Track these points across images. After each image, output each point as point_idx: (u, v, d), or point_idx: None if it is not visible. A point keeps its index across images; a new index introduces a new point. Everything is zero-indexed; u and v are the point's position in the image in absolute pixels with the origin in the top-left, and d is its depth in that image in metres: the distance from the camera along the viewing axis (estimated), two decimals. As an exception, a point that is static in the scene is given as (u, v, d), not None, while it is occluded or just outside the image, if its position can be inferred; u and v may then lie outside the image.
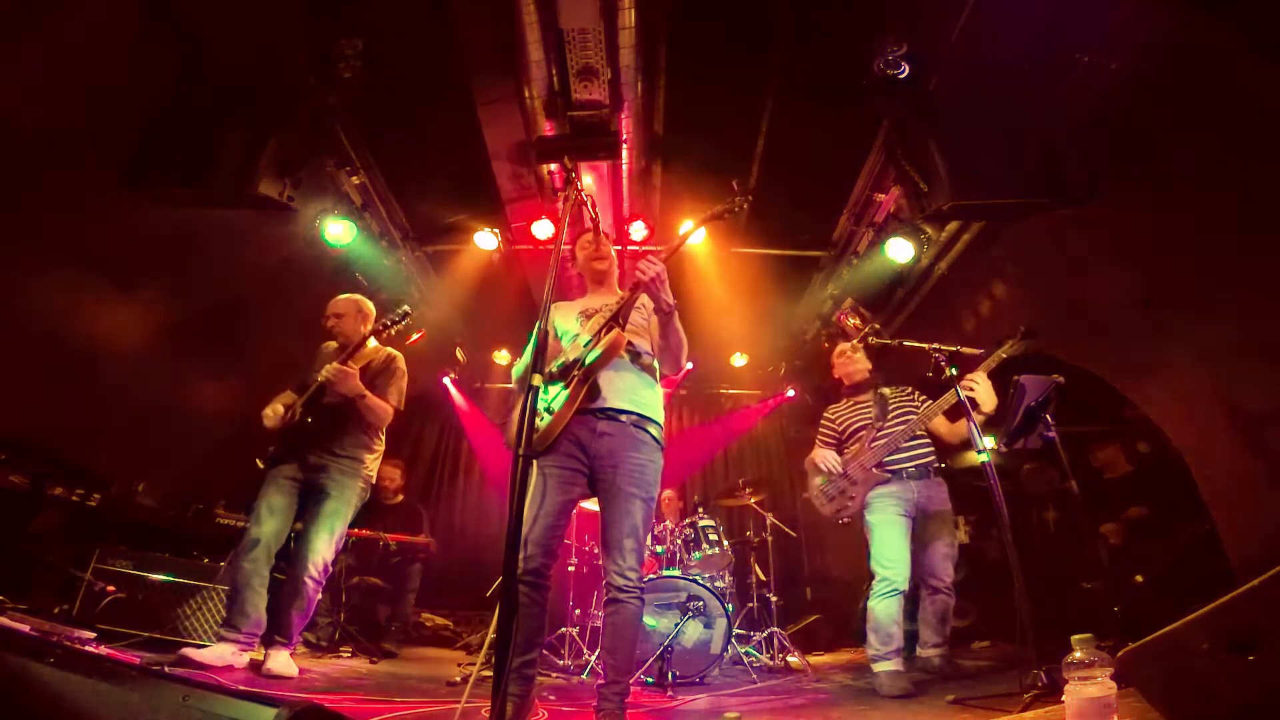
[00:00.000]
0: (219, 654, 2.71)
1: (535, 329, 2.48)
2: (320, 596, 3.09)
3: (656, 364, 2.46)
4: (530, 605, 2.09)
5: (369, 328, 3.32)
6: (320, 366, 3.21)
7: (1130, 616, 3.20)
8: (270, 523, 2.95)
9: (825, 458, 3.48)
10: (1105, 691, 1.46)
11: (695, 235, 2.53)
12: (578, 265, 2.76)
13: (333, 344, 3.41)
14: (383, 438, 3.36)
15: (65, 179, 3.27)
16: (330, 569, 3.09)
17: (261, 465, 3.16)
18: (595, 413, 2.26)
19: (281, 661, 2.86)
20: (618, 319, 2.29)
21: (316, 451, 3.11)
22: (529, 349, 2.51)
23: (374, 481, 3.31)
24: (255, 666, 2.83)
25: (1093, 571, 3.91)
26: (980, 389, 3.06)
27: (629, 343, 2.35)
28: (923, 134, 3.37)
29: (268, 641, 2.91)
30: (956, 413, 3.22)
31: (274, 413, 3.21)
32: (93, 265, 3.75)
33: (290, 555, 3.04)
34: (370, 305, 3.53)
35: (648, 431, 2.31)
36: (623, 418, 2.27)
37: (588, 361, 2.24)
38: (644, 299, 2.43)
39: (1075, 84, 3.24)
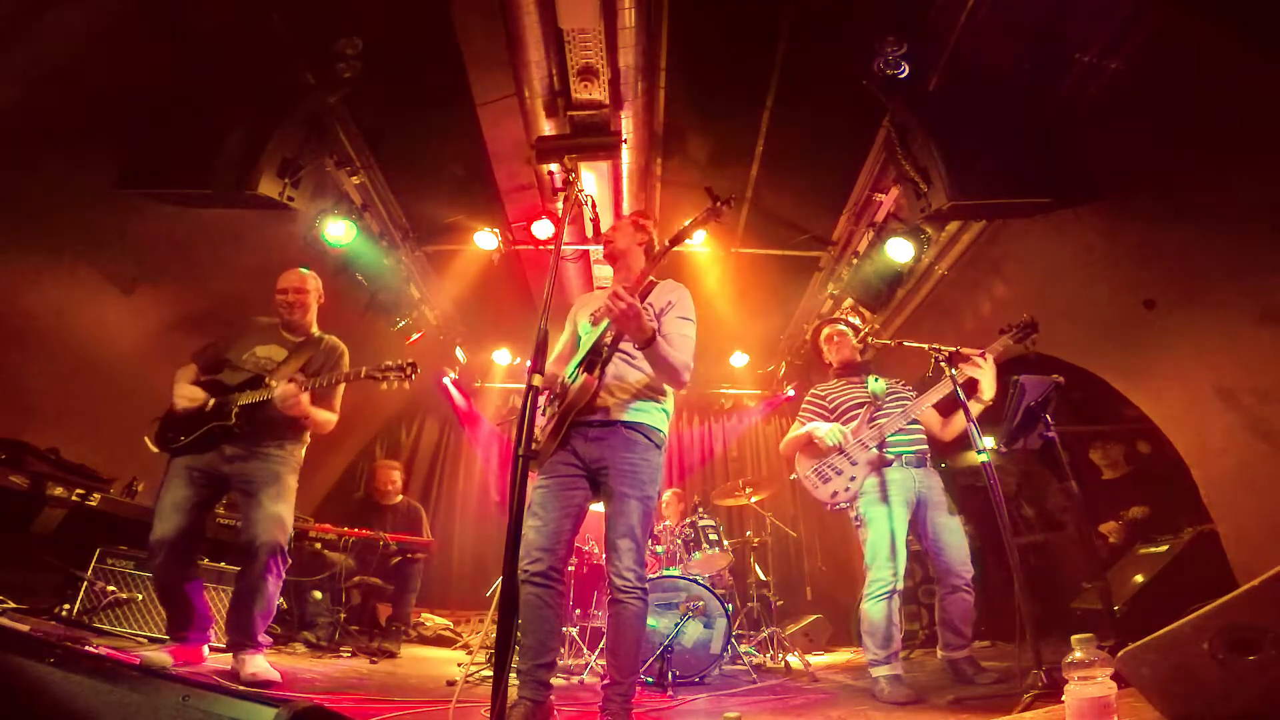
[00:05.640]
0: (166, 659, 2.64)
1: (566, 324, 2.42)
2: (278, 590, 2.81)
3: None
4: (540, 607, 2.07)
5: (314, 315, 3.12)
6: (249, 344, 2.96)
7: (1130, 616, 3.21)
8: (174, 519, 2.66)
9: (830, 432, 3.17)
10: (1105, 691, 1.46)
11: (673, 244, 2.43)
12: (614, 249, 2.63)
13: (264, 319, 3.09)
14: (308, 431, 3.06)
15: (65, 179, 3.26)
16: (289, 560, 2.83)
17: (155, 448, 2.84)
18: (589, 422, 2.27)
19: (259, 665, 2.66)
20: (597, 353, 2.25)
21: (237, 445, 2.80)
22: (558, 347, 2.53)
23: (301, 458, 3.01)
24: (233, 675, 2.62)
25: (1093, 571, 3.91)
26: (985, 373, 2.98)
27: (626, 352, 2.34)
28: (923, 134, 3.36)
29: (236, 647, 2.69)
30: (950, 408, 3.15)
31: (194, 396, 2.84)
32: (93, 265, 3.75)
33: (240, 553, 2.79)
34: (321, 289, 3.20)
35: (640, 432, 2.28)
36: (614, 424, 2.27)
37: (566, 400, 2.23)
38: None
39: (1075, 84, 3.24)
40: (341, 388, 3.01)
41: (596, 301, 2.52)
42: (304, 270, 3.17)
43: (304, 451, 3.03)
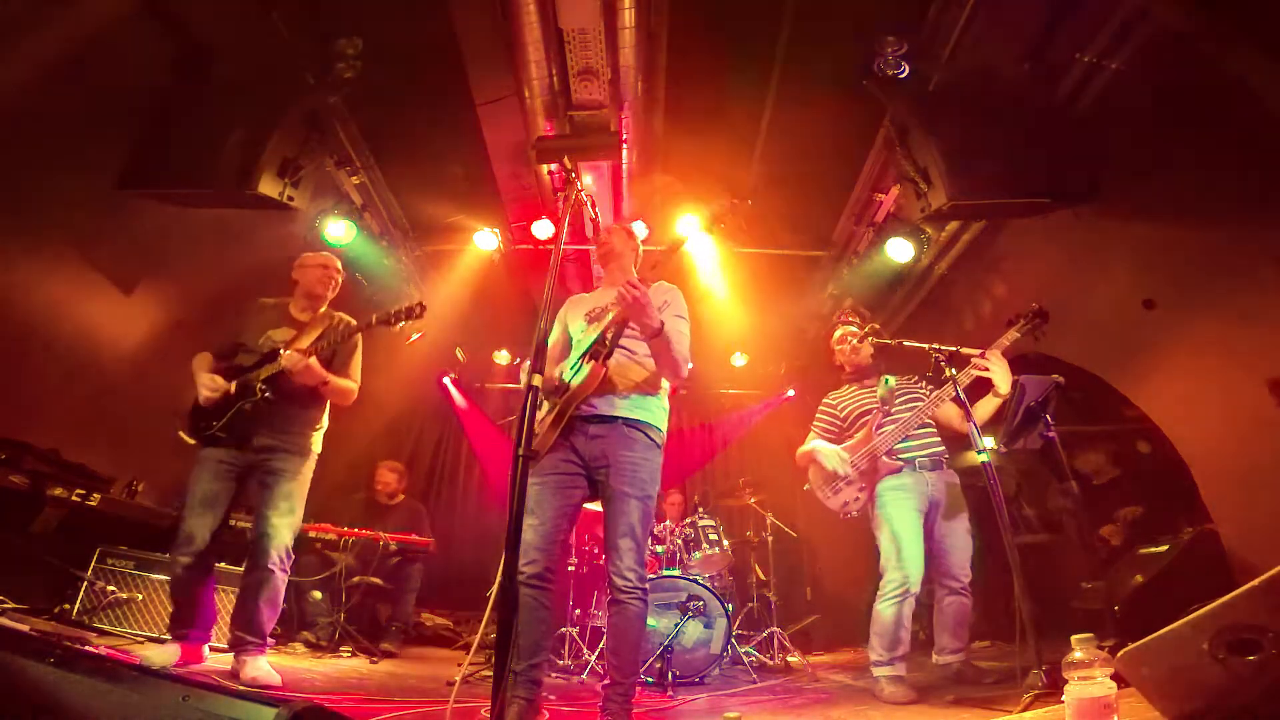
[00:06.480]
0: (170, 653, 2.68)
1: (555, 325, 2.44)
2: (283, 586, 2.82)
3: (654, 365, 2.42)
4: (536, 609, 2.10)
5: (331, 295, 3.18)
6: (259, 329, 2.98)
7: (1130, 616, 3.21)
8: (207, 514, 2.71)
9: (829, 456, 3.22)
10: (1105, 691, 1.46)
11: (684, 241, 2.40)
12: (608, 251, 2.66)
13: (271, 300, 3.12)
14: (327, 411, 3.08)
15: (65, 179, 3.26)
16: (294, 556, 2.86)
17: (190, 440, 2.85)
18: (588, 418, 2.28)
19: (261, 668, 2.63)
20: (602, 344, 2.26)
21: (264, 432, 2.83)
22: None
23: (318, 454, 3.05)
24: (233, 676, 2.61)
25: (1093, 571, 3.91)
26: (995, 368, 2.93)
27: (626, 347, 2.35)
28: (923, 134, 3.36)
29: (239, 647, 2.67)
30: (970, 396, 3.04)
31: (215, 385, 2.83)
32: (93, 265, 3.75)
33: (250, 545, 2.80)
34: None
35: (640, 430, 2.30)
36: (615, 420, 2.28)
37: (571, 387, 2.24)
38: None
39: (1075, 84, 3.24)
40: (359, 357, 3.08)
41: (590, 303, 2.54)
42: (328, 254, 3.25)
43: (321, 437, 3.04)
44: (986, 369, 2.95)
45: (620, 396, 2.30)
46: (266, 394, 2.81)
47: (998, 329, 3.11)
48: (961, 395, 2.90)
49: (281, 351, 2.85)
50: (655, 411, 2.37)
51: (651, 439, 2.32)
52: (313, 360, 2.83)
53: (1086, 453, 4.65)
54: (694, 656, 3.69)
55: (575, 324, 2.51)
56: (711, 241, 4.97)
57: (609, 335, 2.28)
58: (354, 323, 3.05)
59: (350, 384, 3.02)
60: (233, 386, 2.85)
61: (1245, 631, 1.37)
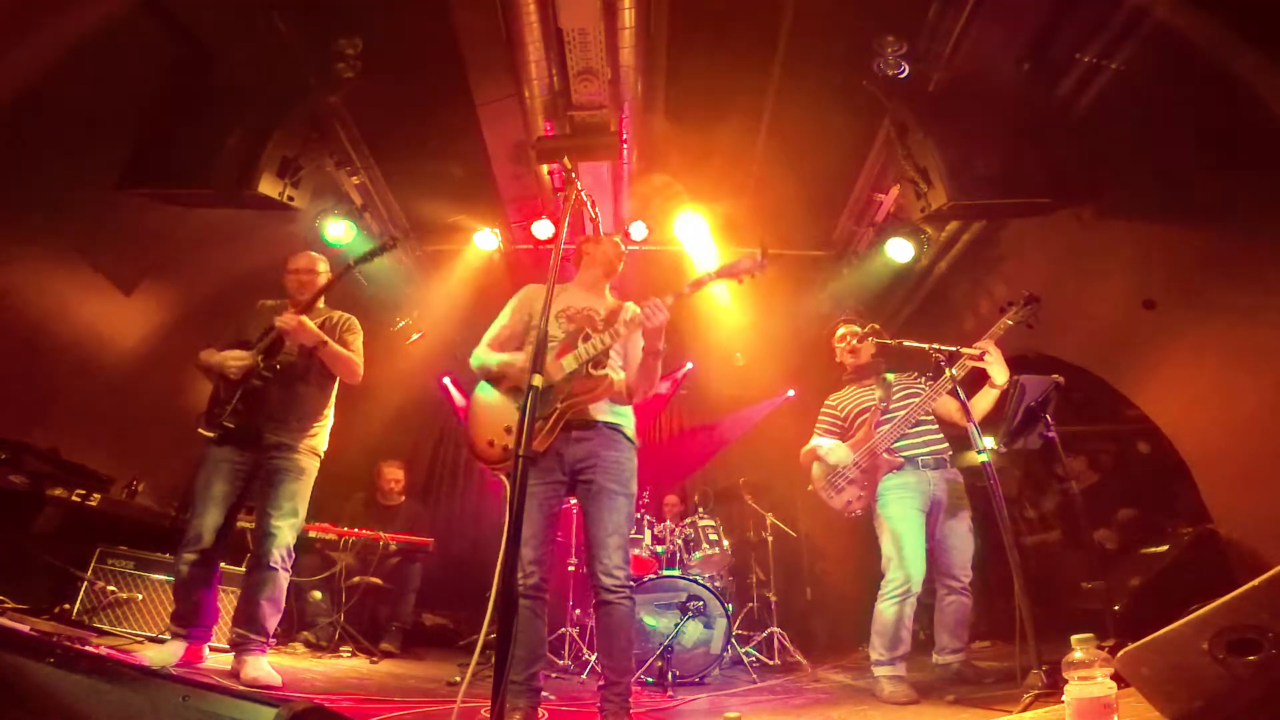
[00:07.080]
0: (173, 652, 2.68)
1: (503, 311, 2.56)
2: (286, 584, 2.82)
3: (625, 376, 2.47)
4: (533, 618, 2.14)
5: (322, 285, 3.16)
6: (261, 328, 2.96)
7: (1130, 616, 3.21)
8: (214, 514, 2.73)
9: (832, 450, 3.20)
10: (1105, 691, 1.46)
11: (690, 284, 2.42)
12: (594, 254, 2.68)
13: (271, 302, 3.13)
14: (333, 405, 3.08)
15: (65, 179, 3.26)
16: (295, 555, 2.86)
17: (210, 433, 2.83)
18: (573, 422, 2.29)
19: (261, 668, 2.61)
20: (605, 354, 2.29)
21: (272, 426, 2.84)
22: (490, 333, 2.58)
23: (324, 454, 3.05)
24: (233, 675, 2.60)
25: (1093, 571, 3.91)
26: (992, 359, 2.91)
27: (611, 356, 2.37)
28: (923, 134, 3.37)
29: (241, 645, 2.66)
30: (970, 390, 3.02)
31: (239, 356, 2.85)
32: (93, 265, 3.76)
33: (252, 544, 2.81)
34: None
35: (620, 432, 2.37)
36: (597, 424, 2.33)
37: (563, 400, 2.25)
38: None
39: (1075, 84, 3.24)
40: (359, 340, 3.09)
41: (562, 300, 2.51)
42: (314, 254, 3.22)
43: (327, 431, 3.04)
44: (981, 359, 2.93)
45: (603, 402, 2.35)
46: (275, 365, 2.83)
47: (999, 308, 3.09)
48: (961, 394, 2.88)
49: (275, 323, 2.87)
50: (630, 417, 2.46)
51: (630, 440, 2.40)
52: (305, 318, 2.84)
53: (1068, 457, 4.65)
54: (694, 656, 3.69)
55: (554, 320, 2.49)
56: (711, 241, 4.96)
57: (608, 346, 2.30)
58: (349, 315, 3.09)
59: (352, 354, 3.00)
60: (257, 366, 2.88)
61: (1245, 631, 1.37)
